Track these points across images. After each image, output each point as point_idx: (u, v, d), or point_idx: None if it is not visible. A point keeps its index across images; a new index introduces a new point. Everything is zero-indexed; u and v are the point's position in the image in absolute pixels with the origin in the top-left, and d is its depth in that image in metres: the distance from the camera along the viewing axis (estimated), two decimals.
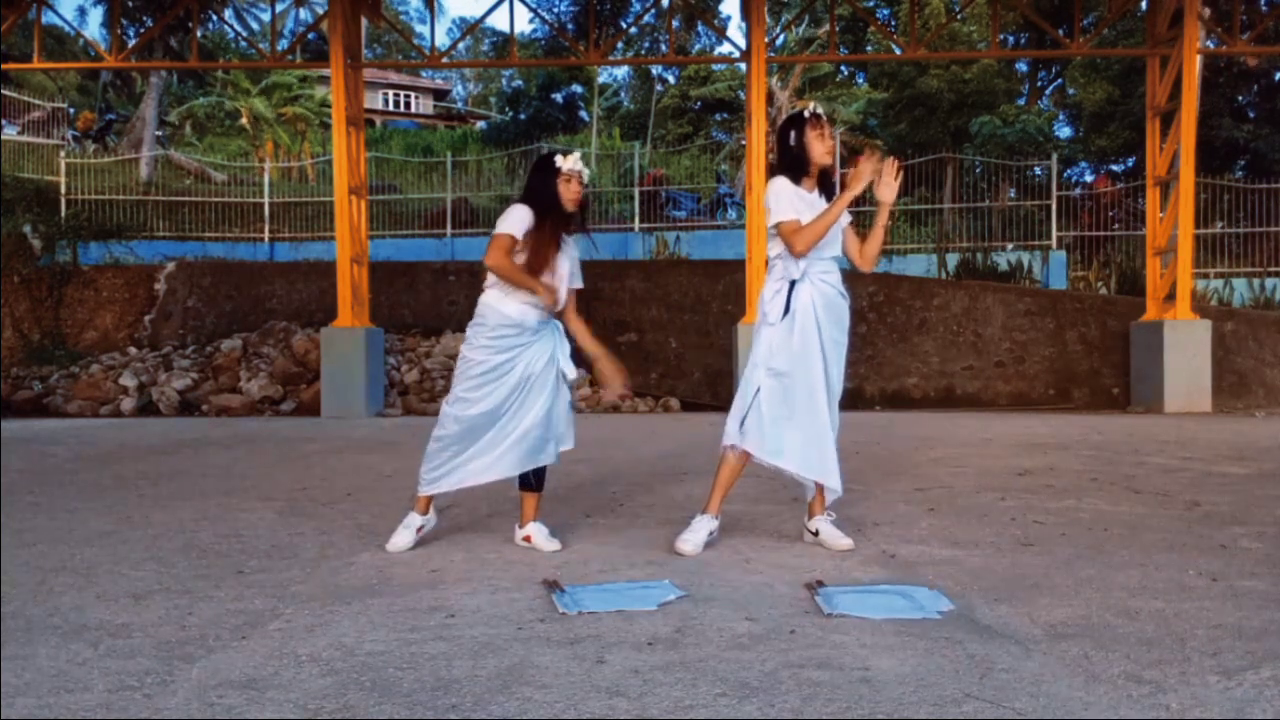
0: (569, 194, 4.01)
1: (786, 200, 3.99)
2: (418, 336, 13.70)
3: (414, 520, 4.15)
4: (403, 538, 4.10)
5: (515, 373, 4.01)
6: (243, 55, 26.62)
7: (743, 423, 4.00)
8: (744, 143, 15.95)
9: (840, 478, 4.06)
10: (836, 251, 4.09)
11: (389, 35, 35.64)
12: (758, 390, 3.99)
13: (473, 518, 4.73)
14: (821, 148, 4.00)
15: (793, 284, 4.00)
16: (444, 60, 15.27)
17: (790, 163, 4.05)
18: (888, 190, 4.00)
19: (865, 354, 12.97)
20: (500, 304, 4.03)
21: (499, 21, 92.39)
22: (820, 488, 4.10)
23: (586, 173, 4.09)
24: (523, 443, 4.02)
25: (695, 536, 3.98)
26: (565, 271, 4.04)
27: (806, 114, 4.05)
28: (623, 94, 35.07)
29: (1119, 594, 3.27)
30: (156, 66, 20.54)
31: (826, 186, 4.08)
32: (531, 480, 4.13)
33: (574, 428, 4.21)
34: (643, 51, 30.51)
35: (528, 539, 4.09)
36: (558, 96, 31.83)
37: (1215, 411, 11.42)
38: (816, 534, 4.08)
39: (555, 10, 29.38)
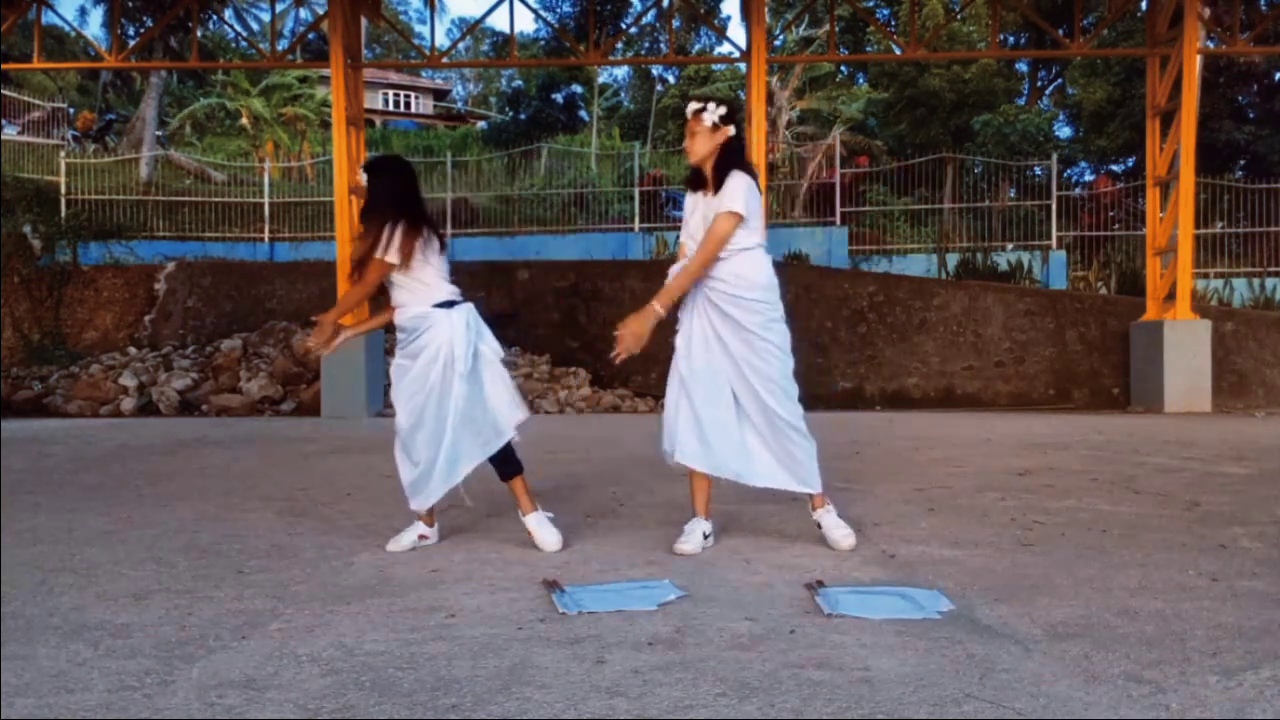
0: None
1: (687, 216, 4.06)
2: None
3: (419, 527, 4.17)
4: (405, 539, 4.12)
5: (413, 370, 4.06)
6: (243, 55, 26.61)
7: (670, 431, 3.98)
8: (744, 142, 15.91)
9: (809, 480, 3.98)
10: (727, 250, 3.89)
11: (389, 35, 35.64)
12: (677, 396, 3.98)
13: (473, 518, 4.73)
14: (690, 145, 3.96)
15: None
16: (444, 60, 15.28)
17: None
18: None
19: (865, 354, 12.97)
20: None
21: (499, 21, 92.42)
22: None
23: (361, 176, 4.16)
24: (461, 436, 3.99)
25: (692, 538, 3.98)
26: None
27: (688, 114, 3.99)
28: (623, 94, 35.08)
29: (1119, 594, 3.27)
30: (156, 66, 20.54)
31: (720, 178, 3.91)
32: (501, 470, 4.13)
33: (515, 405, 4.11)
34: (643, 51, 30.51)
35: (530, 535, 4.07)
36: (558, 96, 31.82)
37: (1215, 411, 11.43)
38: (821, 527, 4.08)
39: (556, 10, 29.39)
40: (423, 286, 4.04)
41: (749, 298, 3.92)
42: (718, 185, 3.90)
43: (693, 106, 3.95)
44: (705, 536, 4.02)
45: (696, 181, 4.01)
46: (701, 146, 3.91)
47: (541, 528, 4.07)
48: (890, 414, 11.69)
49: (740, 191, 3.84)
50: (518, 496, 4.15)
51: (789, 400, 3.96)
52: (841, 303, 13.13)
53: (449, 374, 3.99)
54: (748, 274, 3.92)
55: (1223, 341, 12.26)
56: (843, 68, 29.11)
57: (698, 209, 3.98)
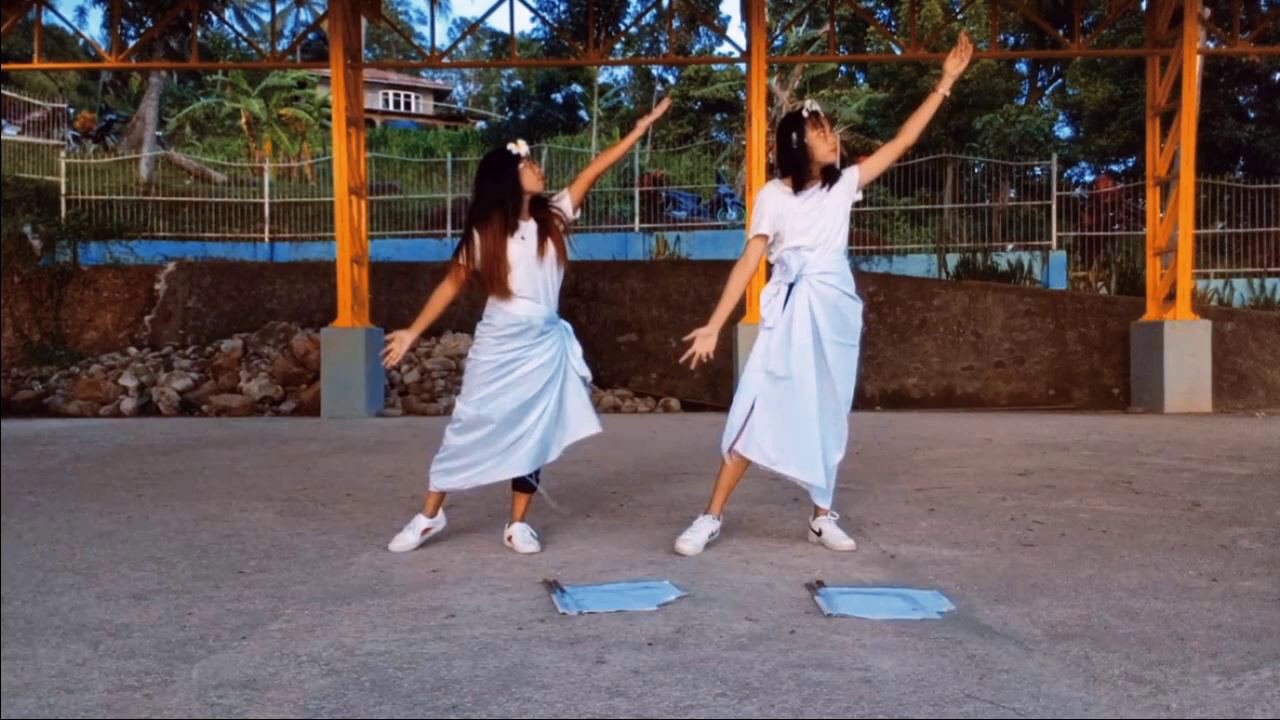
0: (536, 173, 4.07)
1: (763, 212, 4.03)
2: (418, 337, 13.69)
3: (420, 522, 4.15)
4: (407, 538, 4.09)
5: (521, 372, 4.01)
6: (243, 55, 26.62)
7: (741, 428, 3.97)
8: (744, 143, 15.96)
9: (828, 490, 4.02)
10: (838, 245, 4.02)
11: (389, 35, 35.64)
12: (755, 395, 3.97)
13: (473, 518, 4.73)
14: (825, 146, 3.96)
15: (791, 286, 3.99)
16: (444, 60, 15.29)
17: (791, 164, 4.00)
18: (956, 63, 4.06)
19: (865, 354, 12.83)
20: (506, 307, 4.02)
21: (499, 22, 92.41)
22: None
23: (526, 150, 4.10)
24: (528, 441, 4.02)
25: (696, 536, 3.98)
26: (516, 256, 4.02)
27: (806, 113, 3.99)
28: (623, 94, 35.06)
29: (1119, 594, 3.27)
30: (156, 66, 20.53)
31: (831, 178, 4.02)
32: (528, 480, 4.13)
33: (594, 412, 4.21)
34: (643, 52, 30.49)
35: (510, 539, 4.09)
36: (558, 96, 31.83)
37: (1215, 411, 11.42)
38: (820, 534, 4.08)
39: (555, 11, 29.38)
40: (556, 286, 4.10)
41: (855, 296, 4.06)
42: (826, 181, 4.00)
43: (819, 107, 4.04)
44: (711, 535, 4.03)
45: (801, 176, 4.00)
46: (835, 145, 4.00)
47: (520, 534, 4.08)
48: (890, 414, 11.69)
49: None
50: (515, 508, 4.18)
51: (849, 408, 4.06)
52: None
53: (549, 380, 4.05)
54: (850, 274, 4.07)
55: (1223, 341, 12.26)
56: (843, 68, 29.11)
57: (807, 203, 3.97)
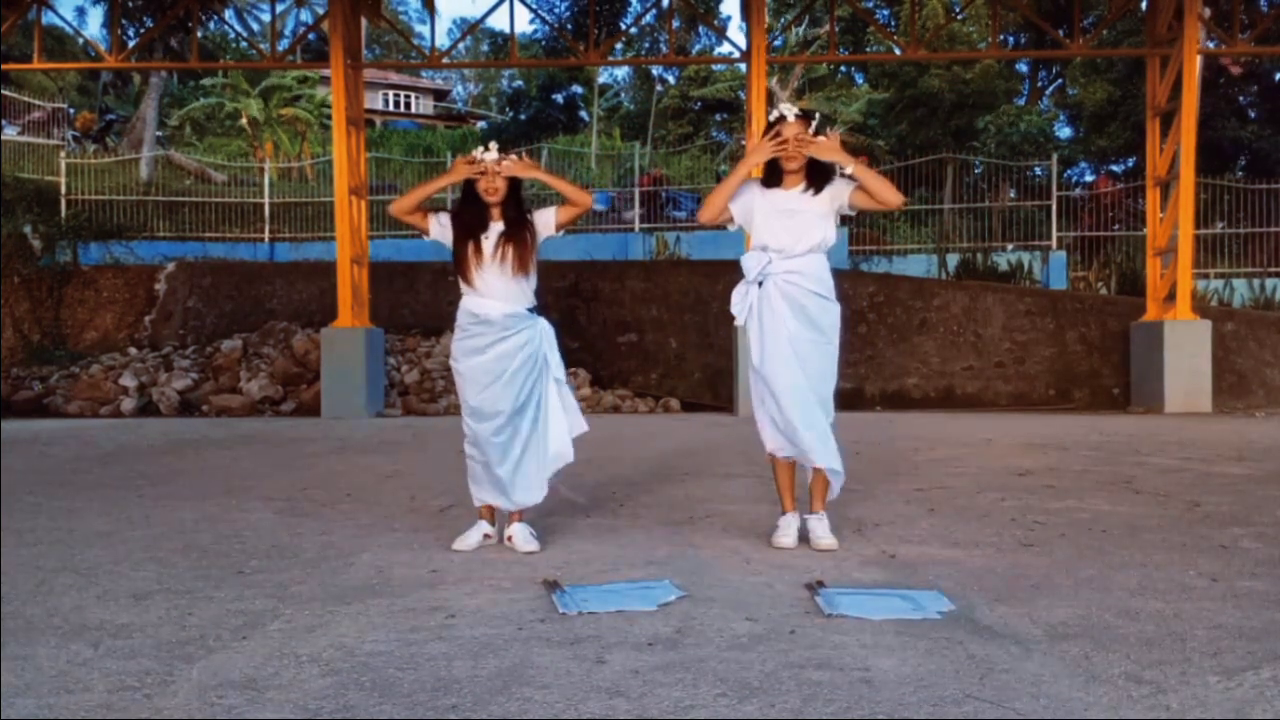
0: (482, 185, 4.06)
1: (739, 194, 4.11)
2: (418, 337, 13.71)
3: (484, 526, 4.18)
4: (470, 538, 4.11)
5: (499, 352, 4.03)
6: (243, 56, 26.61)
7: (767, 431, 4.13)
8: (744, 143, 15.96)
9: (839, 465, 4.07)
10: (809, 245, 4.02)
11: (389, 35, 35.59)
12: (754, 393, 4.16)
13: (473, 518, 4.72)
14: (792, 150, 4.00)
15: (760, 285, 4.04)
16: (444, 60, 15.28)
17: (765, 166, 4.14)
18: (823, 150, 3.96)
19: (865, 354, 12.97)
20: (465, 302, 4.11)
21: (499, 22, 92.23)
22: (816, 485, 4.10)
23: (493, 158, 4.05)
24: (528, 457, 4.06)
25: (786, 537, 4.05)
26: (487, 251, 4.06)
27: (772, 118, 4.09)
28: (623, 94, 35.05)
29: (1119, 594, 3.27)
30: (157, 66, 20.51)
31: (818, 183, 4.03)
32: None
33: (577, 414, 4.19)
34: (643, 52, 30.48)
35: (509, 539, 4.11)
36: (558, 97, 31.84)
37: (1215, 411, 11.42)
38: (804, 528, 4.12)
39: (555, 11, 29.37)
40: (530, 284, 4.13)
41: (828, 296, 4.09)
42: (811, 184, 4.02)
43: (794, 110, 4.04)
44: (798, 530, 4.08)
45: (773, 179, 4.07)
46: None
47: (520, 533, 4.10)
48: (890, 414, 11.69)
49: None
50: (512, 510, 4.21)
51: (828, 405, 4.09)
52: (841, 303, 13.12)
53: (544, 376, 4.07)
54: (826, 275, 4.11)
55: (1223, 342, 12.25)
56: (843, 68, 29.10)
57: (786, 204, 4.02)
